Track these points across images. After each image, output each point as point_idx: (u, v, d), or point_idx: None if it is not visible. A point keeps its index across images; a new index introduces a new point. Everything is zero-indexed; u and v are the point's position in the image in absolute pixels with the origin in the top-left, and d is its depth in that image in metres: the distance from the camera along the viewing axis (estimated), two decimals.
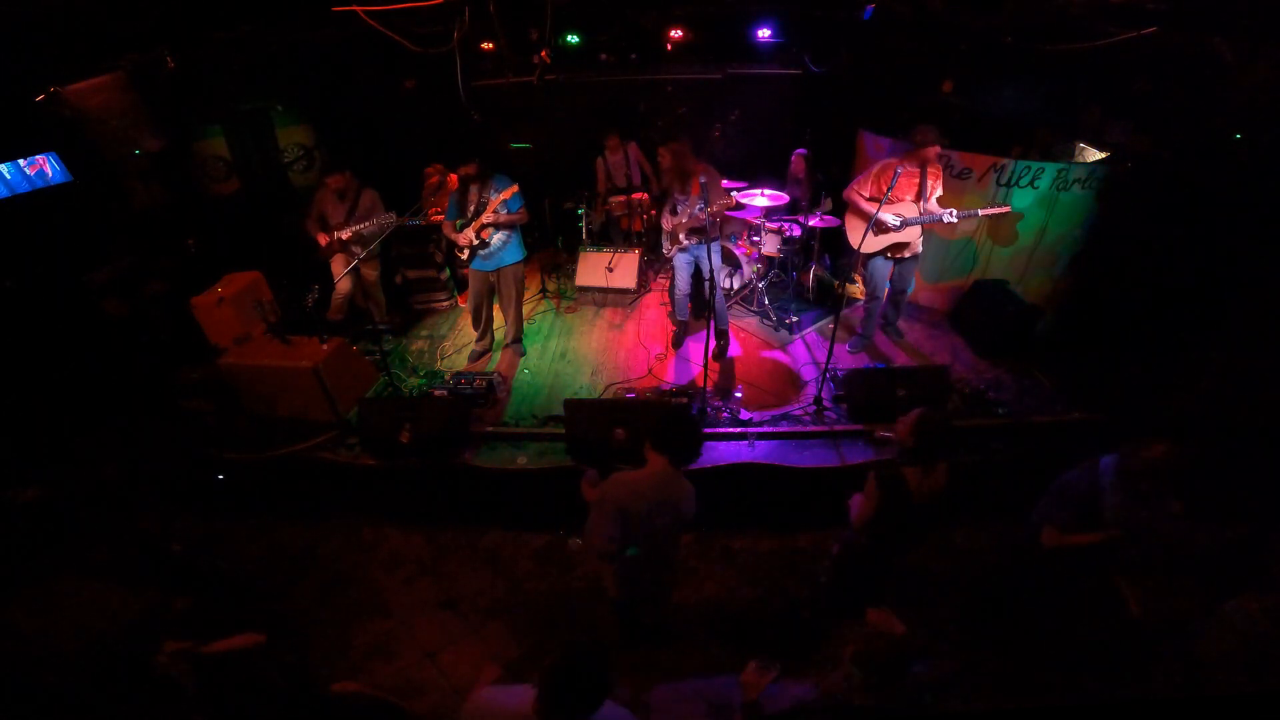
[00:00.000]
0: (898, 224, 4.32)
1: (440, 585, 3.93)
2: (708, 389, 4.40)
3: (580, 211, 6.25)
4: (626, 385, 4.80)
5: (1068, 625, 3.11)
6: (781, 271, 5.93)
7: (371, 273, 5.23)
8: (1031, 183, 4.80)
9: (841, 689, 1.96)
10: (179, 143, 5.43)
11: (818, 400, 4.41)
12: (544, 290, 6.24)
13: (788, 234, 5.50)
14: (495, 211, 4.37)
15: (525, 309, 5.55)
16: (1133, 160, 4.58)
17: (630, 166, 6.19)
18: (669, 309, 5.71)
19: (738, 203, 4.54)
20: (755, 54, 6.37)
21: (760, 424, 4.30)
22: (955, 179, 4.98)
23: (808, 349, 5.24)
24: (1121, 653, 3.14)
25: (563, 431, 4.12)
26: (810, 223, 5.44)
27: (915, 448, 2.65)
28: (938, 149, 4.16)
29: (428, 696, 3.28)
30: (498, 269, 4.68)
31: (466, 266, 4.81)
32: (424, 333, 5.67)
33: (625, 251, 5.95)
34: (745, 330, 5.54)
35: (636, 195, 6.11)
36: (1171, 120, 4.12)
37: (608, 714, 1.72)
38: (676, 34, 5.98)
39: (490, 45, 5.42)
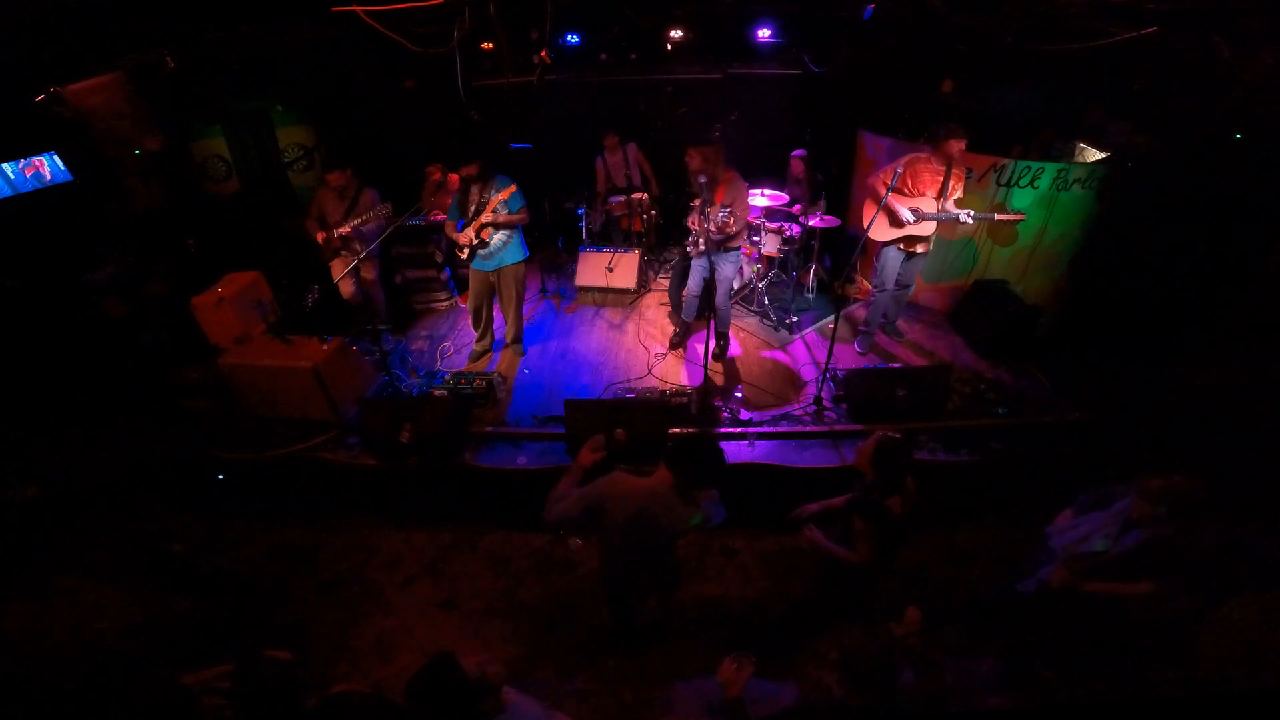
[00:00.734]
0: (913, 218, 4.32)
1: (440, 585, 3.93)
2: (708, 388, 4.40)
3: (580, 211, 6.25)
4: (626, 385, 4.80)
5: (1068, 625, 3.11)
6: (781, 271, 5.93)
7: (370, 273, 5.22)
8: (1031, 183, 4.80)
9: (827, 689, 1.96)
10: (179, 143, 5.43)
11: (818, 400, 4.41)
12: (543, 290, 6.24)
13: (788, 234, 5.51)
14: (494, 211, 4.37)
15: (525, 309, 5.57)
16: (1133, 160, 4.58)
17: (630, 166, 6.20)
18: (669, 309, 5.71)
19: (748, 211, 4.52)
20: (755, 54, 6.37)
21: (760, 424, 4.30)
22: None
23: (808, 349, 5.24)
24: (1122, 653, 3.14)
25: (563, 431, 4.12)
26: (810, 223, 5.44)
27: (878, 478, 2.62)
28: (962, 144, 4.16)
29: None
30: (498, 269, 4.69)
31: (467, 266, 4.82)
32: (424, 333, 5.67)
33: (625, 251, 5.95)
34: (745, 330, 5.53)
35: (636, 195, 6.11)
36: (1171, 120, 4.12)
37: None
38: (676, 34, 5.98)
39: (490, 45, 5.42)
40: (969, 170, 4.95)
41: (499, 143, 6.69)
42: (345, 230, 4.72)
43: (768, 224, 5.43)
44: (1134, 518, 2.53)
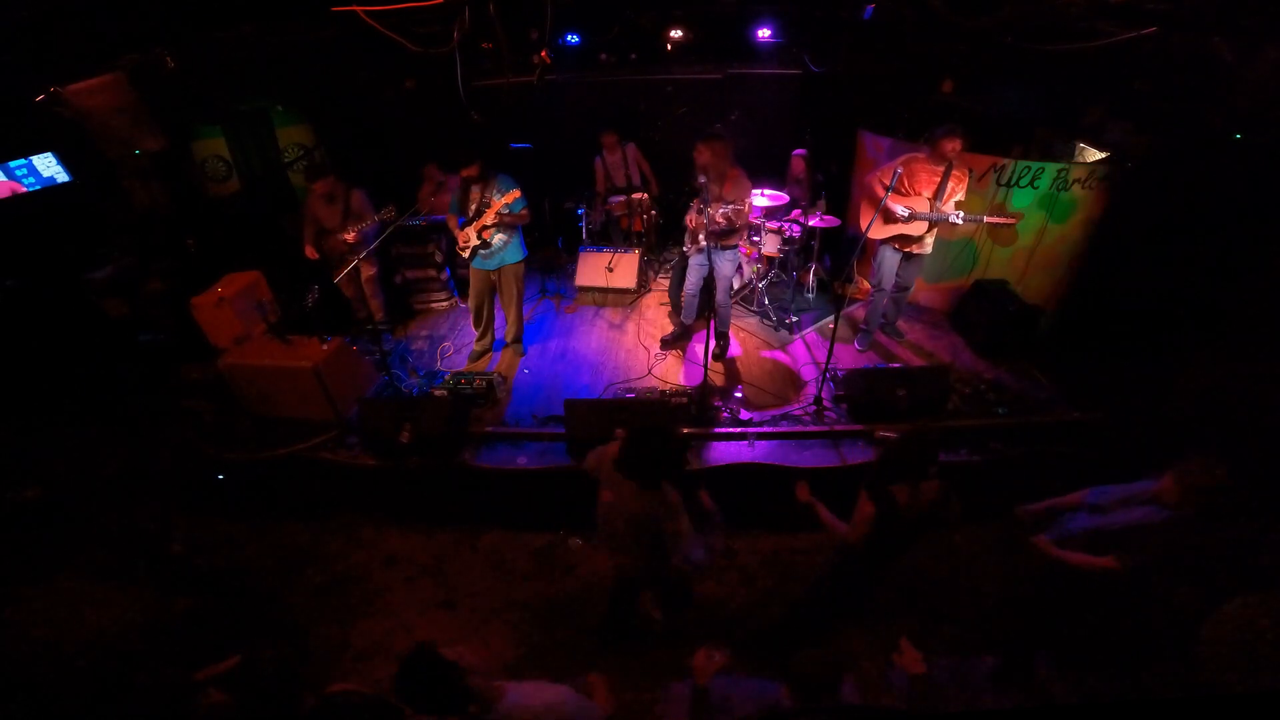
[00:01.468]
0: (906, 215, 4.33)
1: (440, 585, 3.93)
2: (707, 388, 4.39)
3: (580, 211, 6.25)
4: (626, 385, 4.80)
5: (1068, 626, 3.11)
6: (781, 271, 5.93)
7: (369, 269, 5.23)
8: (1031, 183, 4.80)
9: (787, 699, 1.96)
10: (179, 143, 5.43)
11: (818, 400, 4.41)
12: (543, 290, 6.25)
13: (788, 234, 5.51)
14: (498, 214, 4.38)
15: (525, 309, 5.56)
16: (1133, 160, 4.58)
17: (629, 166, 6.19)
18: (669, 309, 5.71)
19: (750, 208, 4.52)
20: (755, 54, 6.37)
21: (760, 424, 4.30)
22: None
23: (808, 349, 5.24)
24: (1122, 653, 3.14)
25: (563, 431, 4.12)
26: (810, 223, 5.44)
27: (894, 460, 2.63)
28: (958, 146, 4.15)
29: None
30: (499, 268, 4.69)
31: (467, 266, 4.82)
32: (424, 333, 5.67)
33: (625, 251, 5.95)
34: (745, 330, 5.53)
35: (636, 195, 6.11)
36: (1171, 120, 4.11)
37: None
38: (676, 34, 5.98)
39: (490, 45, 5.42)
40: (970, 170, 4.94)
41: (499, 143, 6.70)
42: (351, 236, 4.71)
43: (768, 224, 5.43)
44: (1156, 493, 2.49)
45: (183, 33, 4.02)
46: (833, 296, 5.73)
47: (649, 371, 4.97)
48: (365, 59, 5.35)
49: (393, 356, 5.12)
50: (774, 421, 4.32)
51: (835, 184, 5.99)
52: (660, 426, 2.66)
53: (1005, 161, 4.81)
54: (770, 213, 5.51)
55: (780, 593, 3.78)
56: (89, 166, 4.59)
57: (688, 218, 4.67)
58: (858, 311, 5.68)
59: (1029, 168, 4.77)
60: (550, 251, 6.88)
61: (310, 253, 4.87)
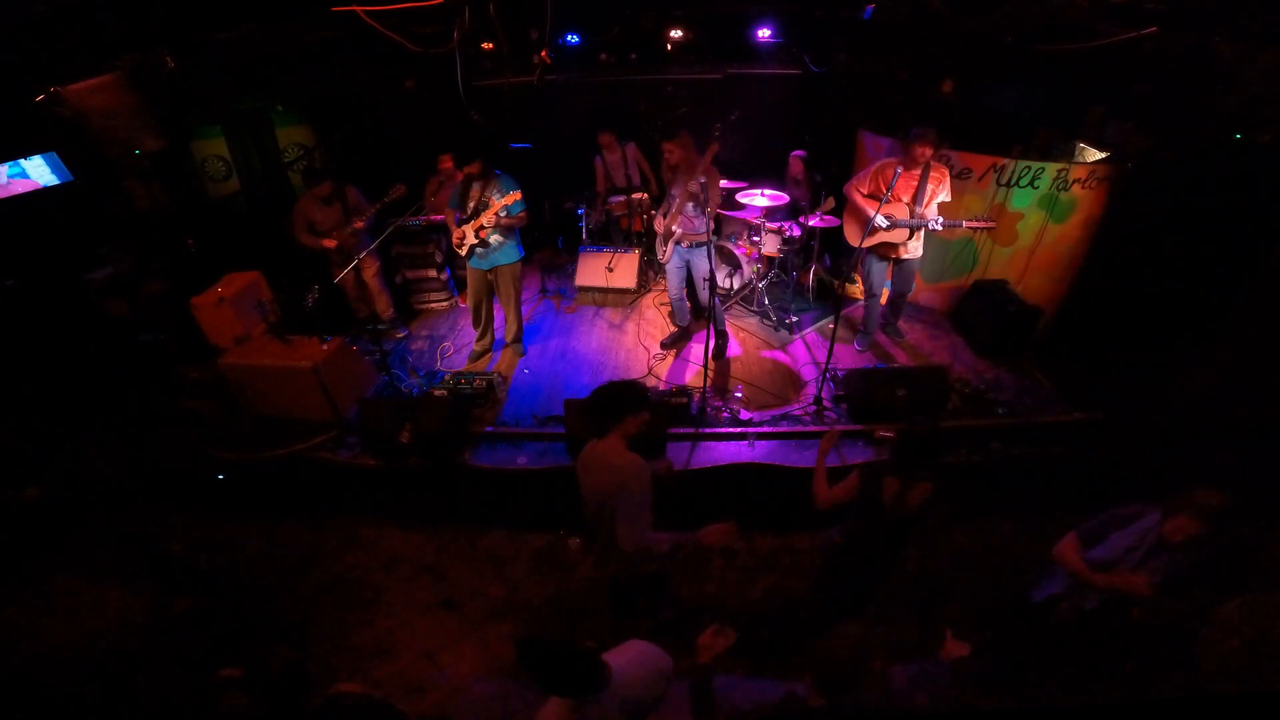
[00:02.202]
0: (885, 224, 4.32)
1: (440, 585, 3.93)
2: (707, 388, 4.39)
3: (580, 211, 6.25)
4: None
5: (1068, 625, 3.11)
6: (781, 271, 5.93)
7: (372, 265, 5.24)
8: (1031, 183, 4.80)
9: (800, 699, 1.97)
10: (179, 143, 5.43)
11: (818, 400, 4.41)
12: (543, 290, 6.24)
13: (788, 234, 5.51)
14: (496, 215, 4.38)
15: (525, 309, 5.57)
16: (1133, 160, 4.58)
17: (629, 166, 6.19)
18: (669, 309, 5.71)
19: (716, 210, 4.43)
20: (755, 54, 6.37)
21: (760, 424, 4.30)
22: (955, 179, 4.97)
23: (808, 349, 5.24)
24: (1122, 653, 3.14)
25: (563, 431, 4.12)
26: (810, 223, 5.44)
27: (898, 454, 2.68)
28: (929, 151, 4.12)
29: (428, 696, 3.28)
30: (494, 268, 4.69)
31: (466, 266, 4.82)
32: (424, 333, 5.68)
33: (625, 251, 5.95)
34: (745, 330, 5.53)
35: (636, 195, 6.11)
36: (1171, 120, 4.11)
37: (635, 655, 1.87)
38: (676, 34, 5.98)
39: (490, 45, 5.42)
40: (966, 170, 4.94)
41: (499, 143, 6.70)
42: (361, 223, 4.76)
43: (768, 224, 5.43)
44: (1168, 535, 2.41)
45: (183, 33, 4.02)
46: (833, 297, 5.73)
47: (649, 371, 4.97)
48: (365, 59, 5.35)
49: (393, 356, 5.12)
50: (774, 421, 4.32)
51: (835, 184, 5.98)
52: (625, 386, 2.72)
53: (1005, 161, 4.81)
54: (770, 213, 5.50)
55: (780, 592, 3.78)
56: (89, 166, 4.58)
57: (655, 223, 4.68)
58: (857, 312, 5.68)
59: (1029, 168, 4.77)
60: (550, 251, 6.88)
61: (330, 242, 4.82)
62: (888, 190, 4.20)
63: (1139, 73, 4.05)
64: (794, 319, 5.53)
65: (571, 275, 6.17)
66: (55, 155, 4.53)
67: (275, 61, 4.93)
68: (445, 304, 6.05)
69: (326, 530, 4.32)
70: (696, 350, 5.05)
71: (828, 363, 4.33)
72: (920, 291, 5.58)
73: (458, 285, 6.05)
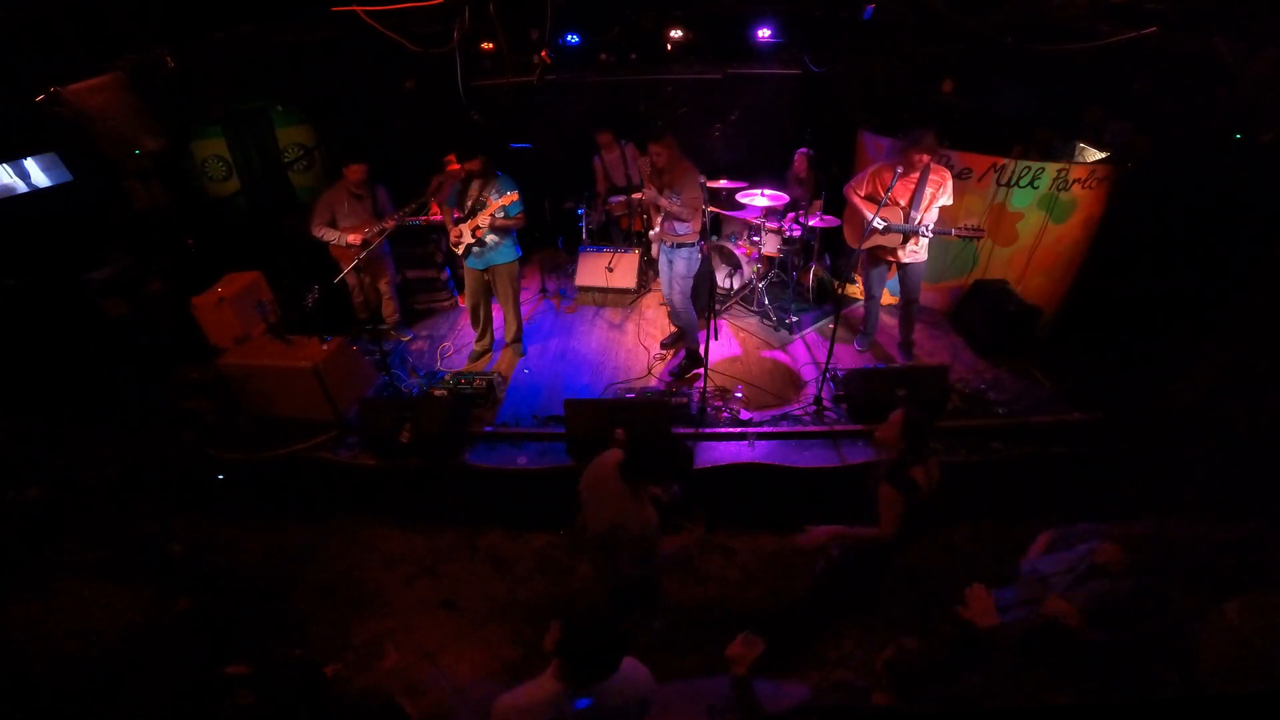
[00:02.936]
0: (881, 227, 4.28)
1: (440, 585, 3.93)
2: (707, 388, 4.39)
3: (580, 211, 6.25)
4: (626, 385, 4.80)
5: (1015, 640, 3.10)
6: (781, 271, 5.93)
7: (387, 272, 5.28)
8: (1031, 183, 4.81)
9: (852, 683, 1.97)
10: (179, 143, 5.43)
11: (818, 400, 4.41)
12: (543, 290, 6.24)
13: (788, 234, 5.50)
14: (493, 215, 4.38)
15: (525, 309, 5.58)
16: (1133, 160, 4.58)
17: (628, 165, 6.19)
18: (669, 309, 5.71)
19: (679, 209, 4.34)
20: (755, 54, 6.36)
21: (760, 424, 4.30)
22: (955, 179, 4.98)
23: (808, 349, 5.24)
24: (1122, 653, 3.13)
25: (563, 431, 4.12)
26: (810, 223, 5.44)
27: (907, 448, 2.66)
28: (926, 156, 4.05)
29: (428, 696, 3.28)
30: (491, 268, 4.69)
31: (465, 265, 4.82)
32: (424, 333, 5.68)
33: (625, 251, 5.95)
34: (745, 330, 5.54)
35: (636, 195, 6.11)
36: (1171, 120, 4.11)
37: (627, 670, 1.83)
38: (676, 34, 5.97)
39: (490, 45, 5.42)
40: (966, 170, 4.93)
41: (499, 143, 6.70)
42: (391, 225, 4.73)
43: (768, 224, 5.43)
44: (1099, 560, 2.46)
45: (183, 33, 4.02)
46: (833, 296, 5.73)
47: (649, 371, 4.97)
48: (365, 59, 5.35)
49: (393, 356, 5.12)
50: (774, 421, 4.32)
51: (835, 184, 5.99)
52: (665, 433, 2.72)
53: (1005, 161, 4.81)
54: (770, 213, 5.50)
55: (780, 592, 3.78)
56: (89, 166, 4.58)
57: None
58: (857, 312, 5.68)
59: (1029, 168, 4.77)
60: (550, 251, 6.88)
61: (355, 237, 4.72)
62: (885, 193, 4.17)
63: (1139, 73, 4.06)
64: (794, 319, 5.53)
65: (571, 275, 6.17)
66: (55, 155, 4.52)
67: (275, 61, 4.93)
68: (446, 304, 6.05)
69: (326, 530, 4.32)
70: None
71: (828, 363, 4.33)
72: (920, 291, 5.58)
73: (458, 285, 6.04)
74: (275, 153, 6.30)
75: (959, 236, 4.33)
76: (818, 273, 5.90)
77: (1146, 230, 4.47)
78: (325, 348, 4.34)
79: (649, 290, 6.21)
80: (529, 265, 6.35)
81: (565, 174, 6.49)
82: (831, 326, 4.28)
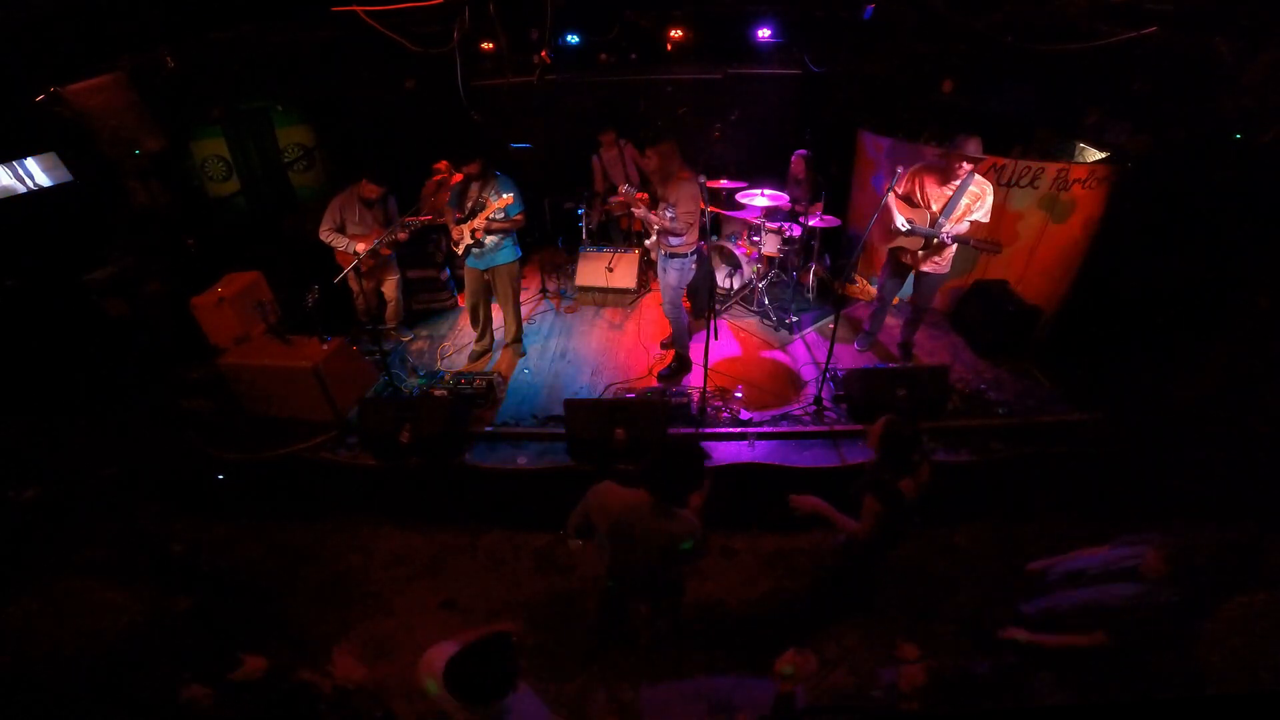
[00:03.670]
0: (905, 228, 4.20)
1: (440, 585, 3.93)
2: (707, 389, 4.39)
3: (580, 211, 6.26)
4: (626, 385, 4.80)
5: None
6: (781, 271, 5.93)
7: (394, 275, 5.29)
8: (1031, 183, 4.80)
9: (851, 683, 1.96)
10: (179, 143, 5.43)
11: (818, 400, 4.41)
12: (544, 290, 6.24)
13: (788, 234, 5.51)
14: (491, 217, 4.38)
15: (525, 309, 5.57)
16: (1132, 161, 4.58)
17: (627, 165, 6.19)
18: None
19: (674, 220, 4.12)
20: (755, 54, 6.36)
21: (760, 424, 4.30)
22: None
23: (808, 349, 5.24)
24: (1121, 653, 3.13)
25: (563, 431, 4.12)
26: (810, 223, 5.44)
27: (884, 460, 2.68)
28: (967, 165, 3.91)
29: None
30: (491, 268, 4.70)
31: (464, 266, 4.82)
32: (424, 333, 5.68)
33: (625, 251, 5.95)
34: (745, 330, 5.54)
35: (637, 195, 6.10)
36: (1171, 120, 4.12)
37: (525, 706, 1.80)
38: (676, 34, 5.98)
39: (490, 45, 5.42)
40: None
41: (499, 143, 6.71)
42: (404, 235, 4.78)
43: (768, 224, 5.43)
44: (1141, 570, 2.44)
45: (183, 33, 4.02)
46: (833, 296, 5.73)
47: (649, 371, 4.96)
48: (365, 59, 5.35)
49: (393, 356, 5.12)
50: (774, 421, 4.32)
51: (835, 184, 5.99)
52: (682, 447, 2.67)
53: (1005, 161, 4.81)
54: (770, 213, 5.51)
55: (780, 592, 3.77)
56: (89, 166, 4.58)
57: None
58: (857, 311, 5.68)
59: (1029, 168, 4.77)
60: (550, 251, 6.88)
61: (364, 245, 4.69)
62: (919, 194, 4.15)
63: (1139, 73, 4.06)
64: (794, 319, 5.53)
65: (571, 275, 6.17)
66: (55, 155, 4.52)
67: (275, 61, 4.93)
68: (445, 304, 6.05)
69: (326, 530, 4.32)
70: (696, 350, 5.04)
71: (828, 363, 4.33)
72: (932, 301, 5.51)
73: (458, 285, 6.05)
74: (275, 153, 6.30)
75: (976, 248, 4.14)
76: (818, 273, 5.90)
77: (1146, 230, 4.47)
78: (325, 348, 4.34)
79: (649, 290, 6.21)
80: (529, 265, 6.35)
81: (565, 174, 6.49)
82: (831, 326, 4.28)
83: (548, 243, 6.92)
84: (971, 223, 4.12)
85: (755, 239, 5.55)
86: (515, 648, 1.79)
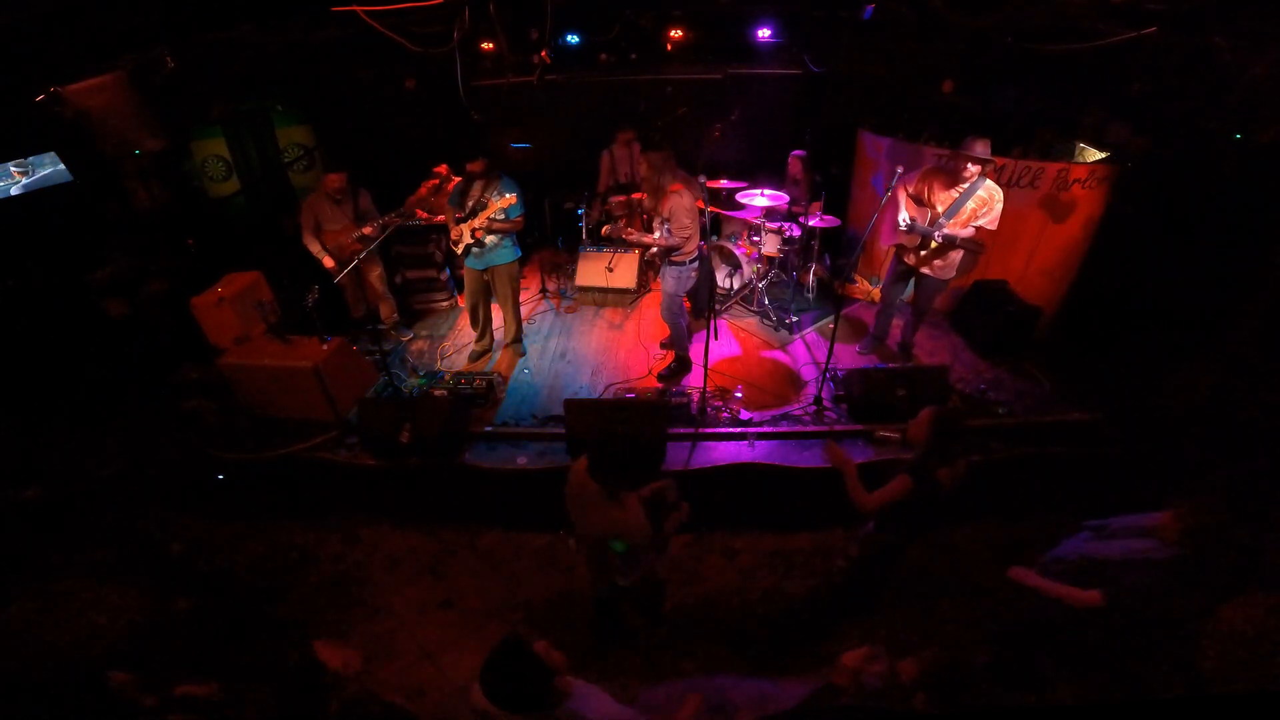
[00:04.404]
0: (905, 225, 4.21)
1: (440, 585, 3.93)
2: (707, 389, 4.39)
3: (580, 211, 6.26)
4: (626, 385, 4.80)
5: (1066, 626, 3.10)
6: (781, 271, 5.93)
7: (376, 268, 5.26)
8: (1031, 183, 4.81)
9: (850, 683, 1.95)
10: (179, 143, 5.43)
11: (818, 400, 4.41)
12: (544, 290, 6.25)
13: (788, 234, 5.50)
14: (492, 217, 4.38)
15: (525, 309, 5.57)
16: (1132, 161, 4.58)
17: (635, 163, 6.19)
18: None
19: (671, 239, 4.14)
20: (755, 54, 6.37)
21: (760, 424, 4.30)
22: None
23: (808, 349, 5.24)
24: (1121, 653, 3.13)
25: (562, 431, 4.12)
26: (810, 223, 5.44)
27: (935, 446, 2.64)
28: (975, 168, 3.91)
29: (428, 696, 3.28)
30: (490, 268, 4.70)
31: (463, 266, 4.83)
32: (424, 333, 5.68)
33: (625, 251, 5.95)
34: (745, 330, 5.54)
35: (637, 195, 6.11)
36: (1171, 120, 4.12)
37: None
38: (676, 34, 5.98)
39: (490, 45, 5.43)
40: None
41: (499, 143, 6.71)
42: (370, 230, 4.78)
43: (768, 224, 5.43)
44: (1155, 528, 2.46)
45: (183, 33, 4.02)
46: (833, 296, 5.73)
47: (649, 372, 4.96)
48: (365, 59, 5.35)
49: (392, 356, 5.12)
50: (774, 421, 4.32)
51: (835, 184, 5.99)
52: (625, 433, 2.66)
53: (1005, 162, 4.81)
54: (770, 213, 5.51)
55: (780, 592, 3.78)
56: (89, 166, 4.58)
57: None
58: (857, 311, 5.68)
59: (1029, 168, 4.77)
60: (550, 251, 6.88)
61: (329, 262, 4.83)
62: (928, 195, 4.16)
63: (1139, 73, 4.06)
64: (794, 319, 5.53)
65: (571, 275, 6.17)
66: (55, 155, 4.53)
67: (275, 61, 4.93)
68: (446, 304, 6.05)
69: (326, 530, 4.32)
70: (696, 350, 5.04)
71: (828, 363, 4.33)
72: (933, 305, 5.50)
73: (457, 285, 6.05)
74: (275, 153, 6.31)
75: (961, 247, 4.21)
76: (818, 273, 5.90)
77: (1146, 230, 4.47)
78: (325, 348, 4.33)
79: (649, 290, 6.21)
80: (529, 265, 6.35)
81: (565, 174, 6.49)
82: (831, 326, 4.28)
83: (548, 243, 6.92)
84: (976, 229, 4.11)
85: (755, 239, 5.55)
86: (527, 645, 1.76)
